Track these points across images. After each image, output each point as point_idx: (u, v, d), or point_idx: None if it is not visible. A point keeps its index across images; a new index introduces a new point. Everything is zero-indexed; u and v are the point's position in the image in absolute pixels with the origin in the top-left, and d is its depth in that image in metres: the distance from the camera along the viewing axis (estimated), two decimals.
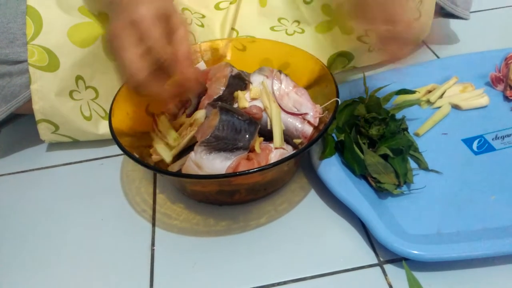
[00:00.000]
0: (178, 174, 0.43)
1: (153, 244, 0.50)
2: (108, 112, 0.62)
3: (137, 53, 0.42)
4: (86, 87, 0.60)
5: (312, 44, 0.70)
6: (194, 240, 0.50)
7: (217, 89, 0.50)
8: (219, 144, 0.46)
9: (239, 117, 0.47)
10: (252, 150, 0.48)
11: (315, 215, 0.52)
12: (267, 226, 0.51)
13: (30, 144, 0.65)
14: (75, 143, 0.63)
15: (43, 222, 0.54)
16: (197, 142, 0.49)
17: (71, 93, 0.58)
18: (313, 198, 0.54)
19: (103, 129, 0.62)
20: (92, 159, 0.62)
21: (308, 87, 0.59)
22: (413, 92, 0.63)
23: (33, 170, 0.62)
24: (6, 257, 0.51)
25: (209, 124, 0.47)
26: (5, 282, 0.48)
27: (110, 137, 0.49)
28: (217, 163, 0.45)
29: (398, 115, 0.58)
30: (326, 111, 0.52)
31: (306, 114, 0.51)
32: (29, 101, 0.57)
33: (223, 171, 0.45)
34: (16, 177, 0.61)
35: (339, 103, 0.50)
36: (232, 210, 0.53)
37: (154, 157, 0.50)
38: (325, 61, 0.69)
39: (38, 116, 0.58)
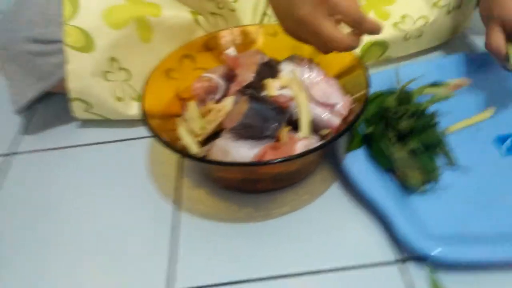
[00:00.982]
0: (203, 159, 0.44)
1: (176, 227, 0.52)
2: (139, 93, 0.64)
3: (338, 30, 0.46)
4: (120, 69, 0.61)
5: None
6: (217, 225, 0.51)
7: (247, 76, 0.50)
8: (246, 131, 0.46)
9: (268, 106, 0.47)
10: (278, 139, 0.48)
11: (337, 208, 0.52)
12: (288, 216, 0.51)
13: (62, 121, 0.67)
14: (106, 121, 0.65)
15: (69, 200, 0.56)
16: (224, 128, 0.50)
17: (104, 74, 0.60)
18: (335, 190, 0.54)
19: (134, 110, 0.63)
20: (122, 139, 0.64)
21: (338, 77, 0.58)
22: (446, 84, 0.62)
23: (64, 147, 0.64)
24: (30, 232, 0.53)
25: (237, 111, 0.47)
26: (31, 256, 0.51)
27: (140, 117, 0.50)
28: (244, 151, 0.46)
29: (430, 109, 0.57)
30: (356, 103, 0.51)
31: (335, 104, 0.51)
32: (63, 80, 0.59)
33: (249, 159, 0.45)
34: (47, 154, 0.63)
35: (368, 94, 0.49)
36: (255, 198, 0.53)
37: (182, 141, 0.51)
38: (357, 49, 0.67)
39: (72, 95, 0.60)
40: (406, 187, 0.51)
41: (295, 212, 0.52)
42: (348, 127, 0.46)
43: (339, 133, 0.45)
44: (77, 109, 0.62)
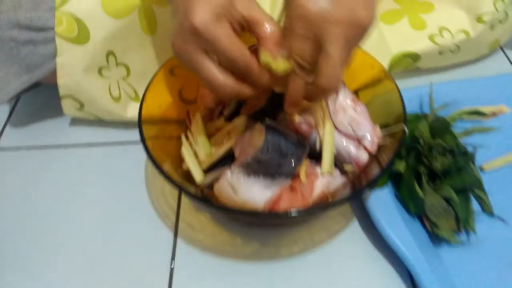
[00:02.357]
0: (206, 201, 0.37)
1: (173, 258, 0.46)
2: (138, 93, 0.56)
3: (213, 67, 0.36)
4: (117, 64, 0.53)
5: (373, 36, 0.61)
6: (218, 260, 0.46)
7: (258, 102, 0.42)
8: (260, 168, 0.39)
9: (287, 138, 0.40)
10: (296, 176, 0.42)
11: (355, 251, 0.46)
12: (299, 256, 0.46)
13: (52, 115, 0.60)
14: (100, 121, 0.58)
15: (56, 206, 0.50)
16: (233, 153, 0.43)
17: (100, 70, 0.52)
18: (355, 229, 0.47)
19: (132, 112, 0.56)
20: (117, 142, 0.57)
21: (360, 89, 0.51)
22: (485, 114, 0.55)
23: (52, 147, 0.57)
24: (13, 237, 0.47)
25: (251, 142, 0.40)
26: (14, 262, 0.45)
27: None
28: (256, 191, 0.39)
29: (464, 140, 0.50)
30: (387, 137, 0.44)
31: (363, 137, 0.44)
32: (53, 72, 0.51)
33: (261, 202, 0.39)
34: (34, 153, 0.56)
35: (406, 132, 0.42)
36: (263, 231, 0.47)
37: (185, 165, 0.44)
38: (385, 59, 0.60)
39: (62, 92, 0.52)
40: (436, 237, 0.45)
41: (307, 252, 0.46)
42: (382, 172, 0.39)
43: (371, 181, 0.39)
44: (68, 107, 0.54)
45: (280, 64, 0.35)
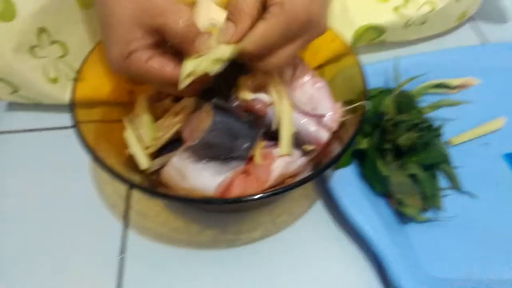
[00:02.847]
0: (155, 191, 0.33)
1: (122, 251, 0.42)
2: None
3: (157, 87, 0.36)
4: (52, 42, 0.48)
5: (336, 9, 0.58)
6: (172, 250, 0.42)
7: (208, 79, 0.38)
8: (209, 152, 0.35)
9: (238, 119, 0.36)
10: (251, 159, 0.38)
11: (319, 234, 0.43)
12: (260, 242, 0.43)
13: None
14: (39, 105, 0.52)
15: None
16: (181, 137, 0.39)
17: (31, 49, 0.46)
18: (318, 211, 0.45)
19: None
20: (59, 127, 0.52)
21: (323, 65, 0.47)
22: (453, 88, 0.52)
23: None
24: None
25: (199, 123, 0.36)
26: None
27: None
28: (206, 177, 0.35)
29: (431, 114, 0.48)
30: (349, 114, 0.41)
31: (323, 115, 0.40)
32: None
33: (212, 188, 0.35)
34: None
35: (367, 108, 0.39)
36: (221, 217, 0.44)
37: (129, 151, 0.40)
38: (349, 32, 0.57)
39: None
40: (402, 216, 0.42)
41: (269, 237, 0.43)
42: (343, 150, 0.36)
43: (332, 160, 0.35)
44: (1, 91, 0.49)
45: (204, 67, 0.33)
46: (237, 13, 0.34)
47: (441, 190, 0.44)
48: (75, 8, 0.47)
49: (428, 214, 0.43)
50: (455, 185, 0.45)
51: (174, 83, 0.34)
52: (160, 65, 0.34)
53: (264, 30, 0.33)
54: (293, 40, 0.35)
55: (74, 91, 0.39)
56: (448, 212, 0.43)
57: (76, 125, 0.36)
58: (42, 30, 0.46)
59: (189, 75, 0.33)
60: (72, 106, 0.38)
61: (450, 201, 0.44)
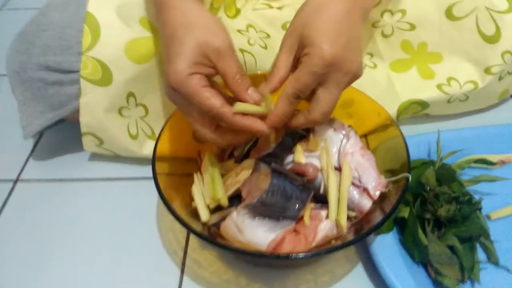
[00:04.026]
0: (214, 241, 0.39)
1: None
2: (155, 131, 0.59)
3: (193, 118, 0.41)
4: (137, 104, 0.56)
5: (383, 83, 0.63)
6: None
7: (268, 145, 0.45)
8: (265, 210, 0.41)
9: (292, 182, 0.42)
10: (300, 219, 0.43)
11: None
12: None
13: (72, 149, 0.63)
14: (117, 157, 0.60)
15: (69, 239, 0.53)
16: (240, 194, 0.45)
17: (120, 110, 0.55)
18: (359, 273, 0.48)
19: (148, 149, 0.59)
20: (133, 178, 0.60)
21: (368, 135, 0.53)
22: (493, 163, 0.55)
23: (71, 180, 0.60)
24: (23, 265, 0.49)
25: (257, 184, 0.42)
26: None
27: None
28: (260, 232, 0.40)
29: (472, 188, 0.51)
30: (391, 185, 0.45)
31: (367, 185, 0.45)
32: (75, 111, 0.55)
33: (265, 243, 0.40)
34: (52, 185, 0.59)
35: (409, 180, 0.43)
36: (268, 272, 0.48)
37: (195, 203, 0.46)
38: (394, 106, 0.61)
39: (84, 129, 0.55)
40: (440, 285, 0.45)
41: None
42: (385, 218, 0.40)
43: (374, 226, 0.39)
44: (88, 143, 0.57)
45: (255, 108, 0.40)
46: (274, 68, 0.43)
47: (479, 263, 0.46)
48: (159, 77, 0.56)
49: (466, 286, 0.45)
50: (493, 259, 0.47)
51: (215, 116, 0.39)
52: (212, 95, 0.39)
53: (297, 77, 0.40)
54: (324, 82, 0.40)
55: (155, 148, 0.46)
56: (485, 285, 0.45)
57: (154, 176, 0.43)
58: (130, 94, 0.55)
59: (237, 112, 0.40)
60: (153, 160, 0.44)
61: (487, 274, 0.45)
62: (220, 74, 0.41)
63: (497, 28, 0.57)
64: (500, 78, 0.60)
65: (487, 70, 0.59)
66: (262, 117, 0.41)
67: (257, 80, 0.47)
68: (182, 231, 0.52)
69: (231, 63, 0.40)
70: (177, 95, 0.41)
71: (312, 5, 0.43)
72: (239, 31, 0.61)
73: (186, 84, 0.39)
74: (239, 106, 0.39)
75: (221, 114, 0.39)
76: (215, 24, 0.41)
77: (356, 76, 0.42)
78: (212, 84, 0.41)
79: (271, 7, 0.63)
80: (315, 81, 0.40)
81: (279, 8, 0.63)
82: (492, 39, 0.58)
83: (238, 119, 0.40)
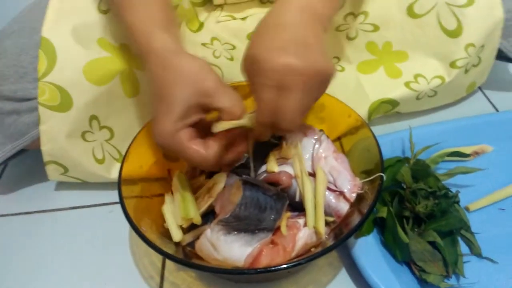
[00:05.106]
0: (189, 263, 0.37)
1: None
2: (122, 153, 0.57)
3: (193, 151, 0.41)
4: (101, 127, 0.54)
5: (351, 85, 0.63)
6: None
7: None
8: (239, 224, 0.39)
9: (265, 192, 0.40)
10: (277, 229, 0.41)
11: None
12: None
13: (37, 180, 0.60)
14: (85, 183, 0.58)
15: (40, 270, 0.50)
16: (214, 210, 0.43)
17: (83, 134, 0.53)
18: (344, 279, 0.47)
19: (115, 172, 0.56)
20: (102, 204, 0.57)
21: (341, 137, 0.53)
22: (467, 155, 0.55)
23: (38, 212, 0.57)
24: None
25: (229, 198, 0.41)
26: None
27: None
28: (236, 248, 0.39)
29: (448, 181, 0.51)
30: (366, 186, 0.44)
31: (343, 188, 0.44)
32: (38, 139, 0.52)
33: (241, 259, 0.38)
34: (17, 219, 0.56)
35: (384, 178, 0.43)
36: (250, 287, 0.46)
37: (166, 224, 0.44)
38: (364, 106, 0.61)
39: (46, 158, 0.53)
40: (425, 283, 0.44)
41: None
42: (362, 220, 0.39)
43: (352, 229, 0.38)
44: (53, 172, 0.55)
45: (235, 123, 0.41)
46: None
47: (463, 256, 0.45)
48: (122, 97, 0.54)
49: (451, 281, 0.44)
50: (476, 251, 0.46)
51: (205, 163, 0.40)
52: (199, 147, 0.40)
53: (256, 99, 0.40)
54: (282, 91, 0.39)
55: (120, 170, 0.45)
56: (470, 278, 0.44)
57: (121, 200, 0.41)
58: (93, 118, 0.53)
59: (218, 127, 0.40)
60: (119, 184, 0.43)
61: (471, 267, 0.45)
62: (216, 111, 0.41)
63: (459, 22, 0.57)
64: (466, 71, 0.61)
65: (452, 64, 0.59)
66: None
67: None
68: (158, 255, 0.50)
69: (224, 99, 0.40)
70: (163, 147, 0.42)
71: (261, 24, 0.43)
72: (203, 44, 0.60)
73: (173, 142, 0.40)
74: (221, 125, 0.40)
75: (205, 161, 0.41)
76: (200, 68, 0.41)
77: (324, 75, 0.39)
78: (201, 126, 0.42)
79: (234, 18, 0.63)
80: (272, 93, 0.39)
81: (243, 19, 0.63)
82: (454, 33, 0.58)
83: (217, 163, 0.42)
